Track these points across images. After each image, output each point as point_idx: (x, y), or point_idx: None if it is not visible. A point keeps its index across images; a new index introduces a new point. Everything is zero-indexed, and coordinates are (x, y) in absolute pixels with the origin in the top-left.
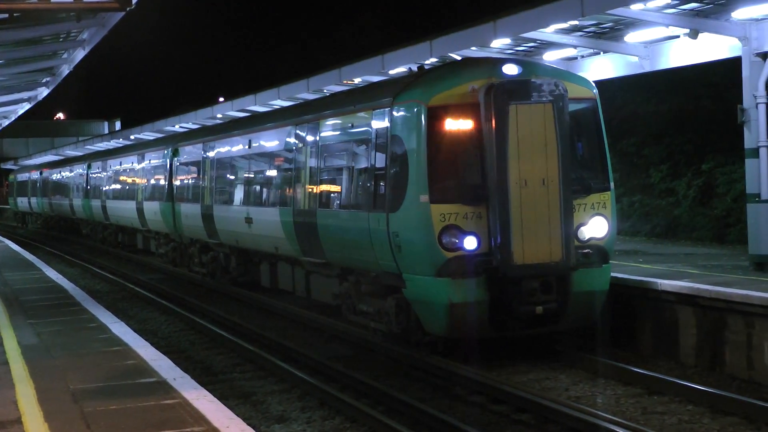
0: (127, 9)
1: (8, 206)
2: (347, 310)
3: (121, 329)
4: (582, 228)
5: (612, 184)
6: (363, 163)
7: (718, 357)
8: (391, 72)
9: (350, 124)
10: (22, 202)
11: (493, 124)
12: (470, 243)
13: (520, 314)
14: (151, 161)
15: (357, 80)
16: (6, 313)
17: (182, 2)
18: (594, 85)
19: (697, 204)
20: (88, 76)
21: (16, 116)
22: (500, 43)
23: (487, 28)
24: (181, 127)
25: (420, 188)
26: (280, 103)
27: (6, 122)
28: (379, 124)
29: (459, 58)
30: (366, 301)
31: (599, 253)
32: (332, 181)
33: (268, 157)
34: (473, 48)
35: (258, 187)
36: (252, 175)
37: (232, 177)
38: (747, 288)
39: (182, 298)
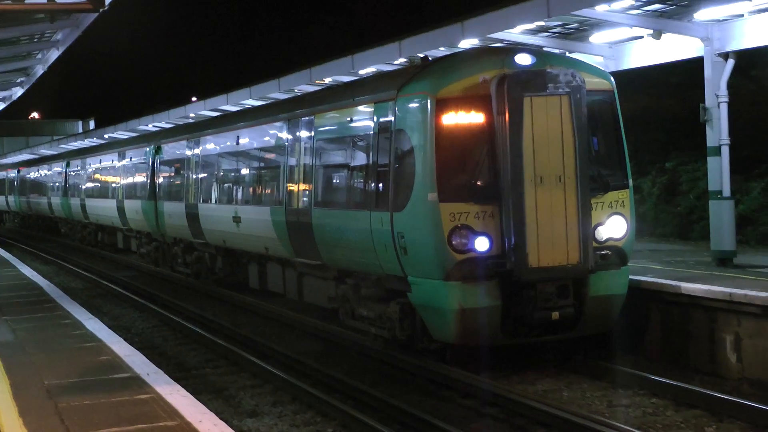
0: (100, 10)
1: None
2: (345, 315)
3: (95, 325)
4: (599, 228)
5: (630, 181)
6: (363, 160)
7: (682, 351)
8: (361, 72)
9: (349, 119)
10: None
11: (507, 118)
12: (482, 244)
13: (535, 320)
14: (133, 159)
15: (327, 80)
16: None
17: (155, 4)
18: (611, 76)
19: (662, 201)
20: (62, 76)
21: None
22: (468, 44)
23: (455, 29)
24: (154, 126)
25: (428, 186)
26: (251, 102)
27: None
28: (382, 117)
29: (430, 58)
30: (366, 305)
31: (617, 254)
32: (329, 179)
33: (259, 153)
34: (441, 48)
35: (247, 185)
36: (241, 173)
37: (219, 175)
38: (709, 283)
39: (156, 294)
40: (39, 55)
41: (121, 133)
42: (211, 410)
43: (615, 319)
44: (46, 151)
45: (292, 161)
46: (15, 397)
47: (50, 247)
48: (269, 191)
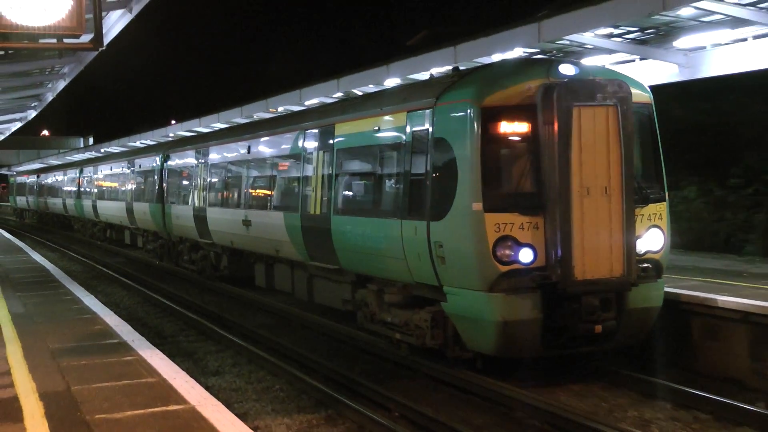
0: (99, 49)
1: (8, 203)
2: (364, 319)
3: (91, 301)
4: (638, 241)
5: (667, 194)
6: (392, 168)
7: None
8: (307, 102)
9: (376, 128)
10: (21, 200)
11: (555, 128)
12: (526, 256)
13: (579, 333)
14: (142, 166)
15: (280, 108)
16: None
17: (143, 43)
18: (649, 89)
19: None
20: (67, 101)
21: (10, 132)
22: (392, 82)
23: (381, 70)
24: (141, 142)
25: (472, 195)
26: (219, 125)
27: (1, 137)
28: (416, 126)
29: (360, 93)
30: (389, 311)
31: (655, 267)
32: (350, 187)
33: (271, 162)
34: (371, 85)
35: (258, 191)
36: (252, 180)
37: (229, 181)
38: None
39: (140, 277)
40: (49, 85)
41: (114, 148)
42: (183, 370)
43: (650, 331)
44: (54, 161)
45: (309, 169)
46: (26, 357)
47: (58, 239)
48: (283, 197)
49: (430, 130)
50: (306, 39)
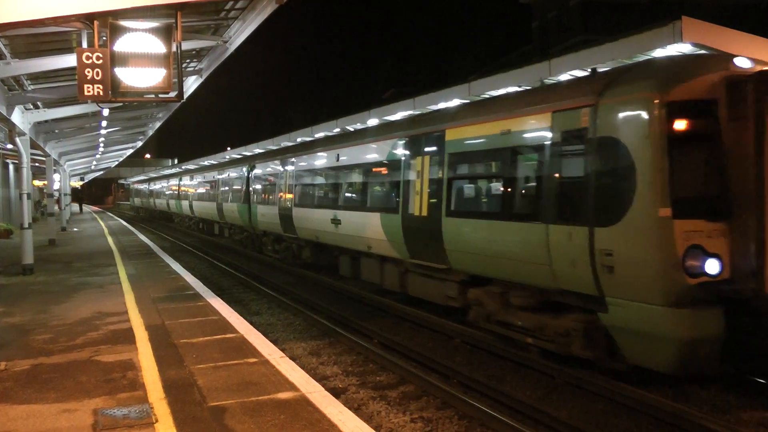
0: (181, 101)
1: (128, 202)
2: (478, 317)
3: (177, 267)
4: None
5: None
6: (531, 171)
7: None
8: (316, 135)
9: (505, 130)
10: (137, 200)
11: (751, 123)
12: (713, 267)
13: (765, 350)
14: (230, 175)
15: (299, 139)
16: (119, 257)
17: (205, 97)
18: None
19: None
20: (161, 134)
21: (126, 156)
22: (373, 122)
23: (365, 114)
24: (208, 162)
25: (658, 200)
26: (258, 150)
27: (121, 159)
28: (567, 126)
29: (351, 129)
30: (515, 314)
31: None
32: (467, 190)
33: (364, 167)
34: (358, 124)
35: (349, 194)
36: (341, 184)
37: (316, 185)
38: None
39: (208, 251)
40: (150, 124)
41: (191, 165)
42: (235, 311)
43: None
44: (154, 174)
45: (411, 174)
46: (137, 302)
47: (158, 227)
48: (378, 199)
49: (592, 129)
50: (314, 91)
